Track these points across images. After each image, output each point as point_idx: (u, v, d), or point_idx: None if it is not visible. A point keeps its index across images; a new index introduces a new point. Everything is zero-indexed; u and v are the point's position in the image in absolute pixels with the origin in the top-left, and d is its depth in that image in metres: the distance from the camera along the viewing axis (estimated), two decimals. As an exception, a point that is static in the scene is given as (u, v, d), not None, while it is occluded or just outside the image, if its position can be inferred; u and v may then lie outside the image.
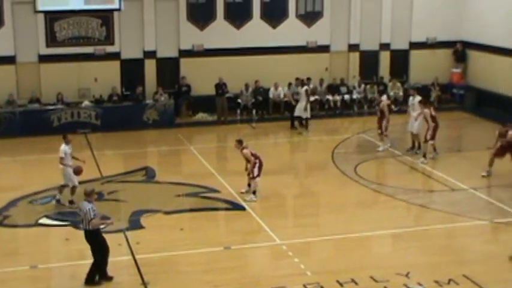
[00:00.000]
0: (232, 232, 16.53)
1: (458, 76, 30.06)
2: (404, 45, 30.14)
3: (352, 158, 22.11)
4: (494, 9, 28.25)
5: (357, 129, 26.03)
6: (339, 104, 28.53)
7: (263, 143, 24.35)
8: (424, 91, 27.60)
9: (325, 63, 29.10)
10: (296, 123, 25.61)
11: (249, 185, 18.60)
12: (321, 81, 28.63)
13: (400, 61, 29.93)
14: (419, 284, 13.60)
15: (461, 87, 29.71)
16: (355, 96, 28.85)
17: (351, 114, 28.30)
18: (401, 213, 17.81)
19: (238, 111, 27.63)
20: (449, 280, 13.72)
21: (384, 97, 23.36)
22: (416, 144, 22.51)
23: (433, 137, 21.56)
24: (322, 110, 28.43)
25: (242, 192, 18.60)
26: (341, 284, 13.57)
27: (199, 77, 27.48)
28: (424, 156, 21.59)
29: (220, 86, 26.98)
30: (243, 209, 17.77)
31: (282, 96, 27.79)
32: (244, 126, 26.15)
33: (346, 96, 28.63)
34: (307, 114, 25.21)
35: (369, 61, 29.68)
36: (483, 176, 19.90)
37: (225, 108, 27.02)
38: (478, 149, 22.28)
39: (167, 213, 17.48)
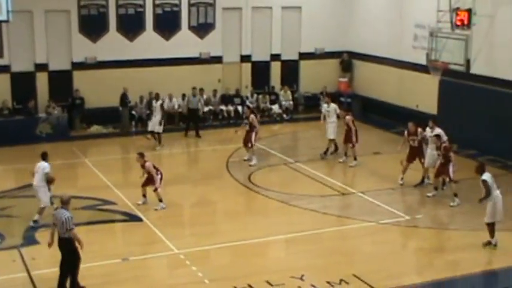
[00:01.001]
0: (130, 243, 16.58)
1: (345, 85, 31.11)
2: (294, 56, 30.94)
3: (246, 167, 22.53)
4: (378, 21, 29.46)
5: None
6: (232, 114, 28.96)
7: (159, 154, 24.47)
8: (313, 100, 28.45)
9: (218, 74, 29.49)
10: (149, 136, 25.33)
11: (144, 195, 18.72)
12: (215, 92, 29.01)
13: (291, 71, 30.69)
14: (313, 286, 14.13)
15: (348, 96, 30.75)
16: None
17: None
18: (294, 218, 18.32)
19: (133, 123, 27.64)
20: (341, 280, 14.28)
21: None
22: (332, 149, 23.70)
23: (357, 141, 22.82)
24: (216, 120, 28.81)
25: (139, 204, 18.69)
26: (238, 290, 13.94)
27: (93, 90, 27.31)
28: (355, 159, 22.72)
29: (126, 97, 27.01)
30: (140, 220, 17.86)
31: (176, 107, 27.99)
32: (139, 138, 26.17)
33: (240, 107, 29.10)
34: (160, 129, 24.93)
35: (260, 71, 30.29)
36: (401, 185, 20.49)
37: (128, 119, 27.12)
38: (365, 154, 23.17)
39: (64, 227, 17.34)
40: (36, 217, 17.23)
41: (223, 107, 28.95)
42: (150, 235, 17.02)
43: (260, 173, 21.90)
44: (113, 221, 18.10)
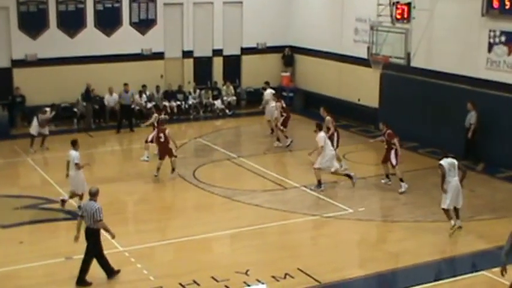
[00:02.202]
0: (74, 242, 16.29)
1: (288, 79, 31.23)
2: (236, 51, 30.90)
3: (190, 163, 22.43)
4: (319, 15, 29.63)
5: (194, 134, 26.42)
6: (175, 110, 28.79)
7: (101, 151, 24.22)
8: (256, 95, 28.49)
9: (160, 70, 29.27)
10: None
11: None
12: (157, 88, 28.79)
13: (233, 66, 30.64)
14: (258, 281, 14.14)
15: (291, 90, 30.87)
16: (190, 101, 29.24)
17: (187, 119, 28.63)
18: (238, 213, 18.31)
19: (75, 120, 27.23)
20: (286, 274, 14.34)
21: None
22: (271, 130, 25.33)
23: (285, 126, 24.31)
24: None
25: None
26: (183, 286, 13.83)
27: (34, 87, 26.80)
28: (278, 140, 24.18)
29: (89, 92, 26.83)
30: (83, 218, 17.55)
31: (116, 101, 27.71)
32: (82, 135, 25.74)
33: (182, 102, 28.97)
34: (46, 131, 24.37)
35: (202, 67, 30.17)
36: (387, 183, 20.32)
37: (91, 114, 27.09)
38: (307, 148, 23.26)
39: (5, 227, 17.00)
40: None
41: (166, 103, 28.74)
42: (93, 233, 16.76)
43: (204, 169, 21.82)
44: (56, 220, 17.78)
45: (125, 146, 25.70)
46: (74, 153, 17.76)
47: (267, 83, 27.33)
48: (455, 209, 16.66)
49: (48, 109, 24.44)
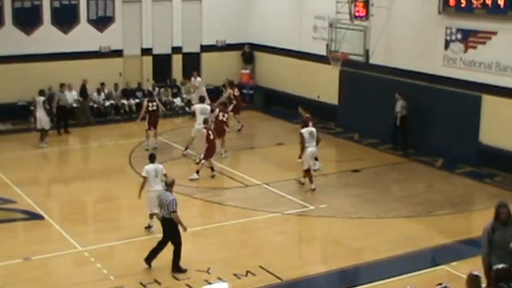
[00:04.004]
0: (32, 242, 16.01)
1: (248, 77, 31.13)
2: (196, 49, 30.69)
3: (150, 161, 22.13)
4: (278, 13, 29.59)
5: (144, 132, 26.06)
6: (134, 108, 28.46)
7: (59, 150, 23.84)
8: (216, 92, 28.32)
9: (119, 68, 28.92)
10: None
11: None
12: (116, 85, 28.44)
13: (192, 64, 30.39)
14: (219, 279, 14.01)
15: (251, 88, 30.78)
16: (150, 99, 28.92)
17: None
18: (199, 211, 18.19)
19: (32, 119, 26.69)
20: (247, 272, 14.24)
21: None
22: None
23: (237, 113, 25.33)
24: (118, 114, 28.23)
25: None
26: (144, 285, 13.66)
27: (-10, 86, 26.29)
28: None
29: (85, 89, 26.68)
30: (42, 218, 17.28)
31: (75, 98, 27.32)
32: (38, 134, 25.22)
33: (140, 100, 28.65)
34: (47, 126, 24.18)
35: (162, 64, 29.90)
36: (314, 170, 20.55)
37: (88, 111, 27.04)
38: (268, 145, 23.24)
39: (-39, 228, 16.64)
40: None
41: (124, 101, 28.41)
42: (52, 233, 16.51)
43: (164, 167, 21.49)
44: (13, 220, 17.43)
45: (83, 144, 25.29)
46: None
47: (231, 82, 26.91)
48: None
49: None
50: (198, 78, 28.43)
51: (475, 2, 21.16)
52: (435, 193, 19.45)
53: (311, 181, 19.40)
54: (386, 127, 24.06)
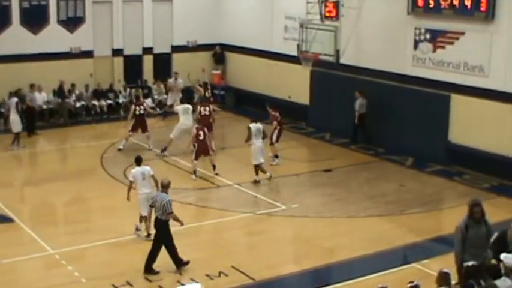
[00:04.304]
0: (2, 246, 15.75)
1: (219, 77, 31.08)
2: (167, 49, 30.59)
3: (121, 162, 21.99)
4: (249, 13, 29.60)
5: (125, 133, 25.90)
6: (105, 109, 28.29)
7: (29, 152, 23.62)
8: (187, 93, 28.22)
9: (89, 69, 28.69)
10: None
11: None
12: (87, 86, 28.22)
13: (163, 64, 30.28)
14: (192, 280, 13.97)
15: (222, 88, 30.74)
16: (121, 100, 28.77)
17: (117, 118, 28.09)
18: (171, 212, 18.06)
19: (2, 121, 26.40)
20: (220, 273, 14.22)
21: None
22: None
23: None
24: (89, 115, 28.03)
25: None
26: (116, 288, 13.59)
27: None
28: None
29: (62, 89, 26.46)
30: (12, 220, 17.09)
31: (45, 100, 27.10)
32: (10, 136, 24.93)
33: (112, 101, 28.50)
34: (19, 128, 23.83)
35: (132, 65, 29.74)
36: (277, 164, 21.60)
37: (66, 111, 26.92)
38: (239, 146, 23.14)
39: None
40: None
41: (95, 102, 28.21)
42: (22, 236, 16.34)
43: (151, 168, 21.37)
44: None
45: (54, 146, 25.06)
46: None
47: (204, 83, 26.83)
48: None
49: None
50: (179, 80, 27.98)
51: (443, 2, 21.37)
52: (406, 192, 19.58)
53: (264, 172, 20.07)
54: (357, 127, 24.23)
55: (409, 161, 22.35)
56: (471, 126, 21.25)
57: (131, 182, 15.95)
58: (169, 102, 27.94)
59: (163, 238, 14.23)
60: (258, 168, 19.98)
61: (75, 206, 18.94)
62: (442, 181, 20.66)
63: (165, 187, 14.30)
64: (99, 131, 26.35)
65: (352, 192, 19.57)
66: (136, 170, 15.99)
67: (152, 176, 15.93)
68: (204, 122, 21.70)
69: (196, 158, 20.47)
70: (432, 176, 21.06)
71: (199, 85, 26.47)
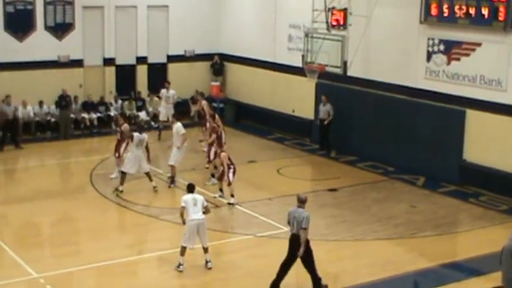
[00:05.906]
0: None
1: (217, 89, 31.17)
2: (162, 59, 30.71)
3: (112, 179, 22.06)
4: (250, 21, 29.72)
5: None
6: (95, 122, 28.37)
7: (12, 168, 23.66)
8: (184, 106, 28.29)
9: (79, 79, 28.78)
10: None
11: (220, 190, 20.37)
12: (76, 98, 28.26)
13: (158, 75, 30.36)
14: (187, 307, 13.98)
15: (221, 101, 30.81)
16: (112, 113, 28.84)
17: (109, 132, 28.13)
18: (166, 234, 18.07)
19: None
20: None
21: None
22: None
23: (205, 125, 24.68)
24: (77, 129, 28.09)
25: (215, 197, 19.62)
26: (105, 314, 13.60)
27: None
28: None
29: (64, 98, 26.59)
30: (-7, 242, 17.14)
31: (31, 115, 27.14)
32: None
33: (103, 114, 28.58)
34: None
35: (125, 76, 29.85)
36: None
37: (69, 122, 27.04)
38: (239, 163, 23.20)
39: None
40: None
41: (85, 115, 28.28)
42: (5, 258, 16.34)
43: (128, 186, 21.44)
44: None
45: (40, 161, 25.12)
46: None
47: (201, 93, 27.09)
48: (147, 174, 21.00)
49: None
50: (172, 91, 27.71)
51: (458, 11, 21.41)
52: (417, 214, 19.60)
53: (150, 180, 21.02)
54: (365, 144, 24.26)
55: (420, 180, 22.39)
56: (487, 143, 21.30)
57: (183, 207, 15.79)
58: (162, 118, 27.61)
59: (306, 256, 14.44)
60: (123, 176, 20.72)
61: (61, 226, 18.95)
62: (456, 202, 20.70)
63: (302, 202, 14.60)
64: (89, 146, 26.43)
65: (359, 213, 19.59)
66: (187, 196, 15.86)
67: (205, 207, 15.88)
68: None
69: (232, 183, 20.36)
70: (445, 197, 21.09)
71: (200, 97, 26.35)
